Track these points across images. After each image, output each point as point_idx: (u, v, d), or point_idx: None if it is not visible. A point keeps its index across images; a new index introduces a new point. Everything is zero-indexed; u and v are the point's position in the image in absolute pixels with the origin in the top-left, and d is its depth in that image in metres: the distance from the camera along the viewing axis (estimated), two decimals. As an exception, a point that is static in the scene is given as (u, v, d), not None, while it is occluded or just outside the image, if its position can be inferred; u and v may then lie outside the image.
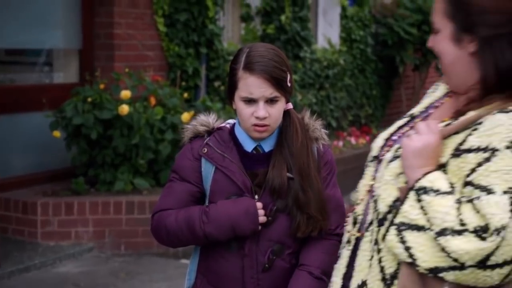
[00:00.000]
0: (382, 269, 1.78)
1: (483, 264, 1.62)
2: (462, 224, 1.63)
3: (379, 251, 1.79)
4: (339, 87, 9.41)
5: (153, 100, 5.97)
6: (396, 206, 1.75)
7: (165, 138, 5.80)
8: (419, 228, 1.68)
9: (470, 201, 1.65)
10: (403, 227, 1.69)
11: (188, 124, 2.26)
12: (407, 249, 1.68)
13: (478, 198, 1.64)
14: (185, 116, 5.85)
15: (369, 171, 1.95)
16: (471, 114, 1.75)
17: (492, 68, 1.75)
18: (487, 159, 1.67)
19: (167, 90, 6.12)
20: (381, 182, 1.81)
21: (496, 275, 1.64)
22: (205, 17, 7.10)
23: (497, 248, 1.61)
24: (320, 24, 9.82)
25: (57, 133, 5.79)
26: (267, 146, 2.16)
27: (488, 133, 1.69)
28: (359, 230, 1.92)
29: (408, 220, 1.69)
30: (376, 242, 1.80)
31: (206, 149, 2.16)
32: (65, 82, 6.54)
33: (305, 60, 8.71)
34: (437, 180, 1.70)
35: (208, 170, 2.16)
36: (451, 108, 1.87)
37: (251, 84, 2.07)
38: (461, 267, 1.63)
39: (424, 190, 1.69)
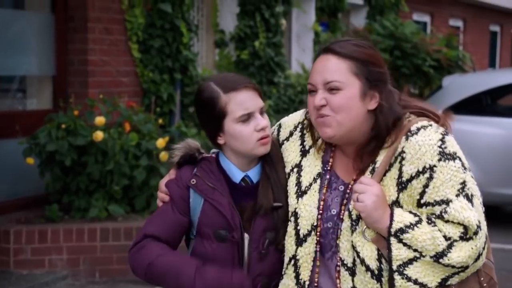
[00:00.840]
0: None
1: (478, 257, 1.89)
2: (448, 239, 1.85)
3: None
4: (313, 112, 9.46)
5: (127, 126, 5.95)
6: (381, 254, 1.91)
7: (140, 164, 5.78)
8: (412, 260, 1.87)
9: (438, 217, 1.87)
10: (401, 268, 1.87)
11: (179, 144, 2.19)
12: (415, 282, 1.86)
13: (445, 211, 1.86)
14: (160, 142, 5.84)
15: (311, 241, 2.01)
16: (383, 154, 1.93)
17: (384, 122, 1.95)
18: (430, 178, 1.87)
19: (141, 116, 6.12)
20: (358, 246, 1.93)
21: (483, 258, 1.91)
22: (180, 43, 7.13)
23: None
24: (293, 50, 9.90)
25: (30, 160, 5.74)
26: (254, 176, 2.11)
27: (417, 157, 1.89)
28: None
29: (402, 260, 1.88)
30: None
31: (195, 180, 2.11)
32: (39, 109, 6.50)
33: (279, 85, 8.77)
34: (403, 217, 1.88)
35: (196, 201, 2.11)
36: (345, 161, 2.02)
37: (243, 100, 2.04)
38: (466, 268, 1.88)
39: (401, 231, 1.87)
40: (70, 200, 5.81)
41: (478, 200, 1.91)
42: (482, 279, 1.95)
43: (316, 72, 1.97)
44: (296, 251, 2.04)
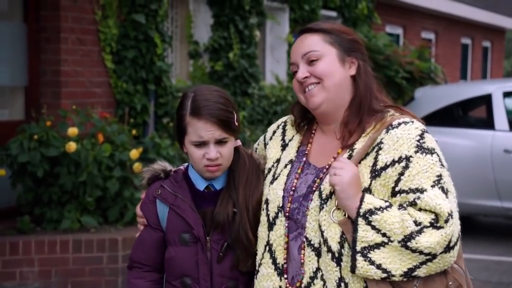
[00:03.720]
0: None
1: (447, 247, 1.86)
2: (418, 224, 1.84)
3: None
4: (287, 123, 9.49)
5: (101, 137, 5.92)
6: (344, 238, 1.90)
7: (113, 175, 5.75)
8: (378, 245, 1.86)
9: (411, 204, 1.87)
10: (365, 251, 1.85)
11: (144, 168, 2.31)
12: (378, 267, 1.84)
13: (418, 198, 1.86)
14: (134, 153, 5.82)
15: (280, 222, 2.06)
16: (362, 143, 1.99)
17: (365, 88, 2.04)
18: (406, 167, 1.90)
19: (115, 127, 6.09)
20: (323, 225, 1.94)
21: (455, 253, 1.89)
22: (153, 54, 7.12)
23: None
24: (267, 61, 9.93)
25: (1, 171, 5.68)
26: (218, 184, 2.21)
27: (394, 147, 1.92)
28: (291, 283, 2.04)
29: (367, 243, 1.85)
30: (342, 279, 1.92)
31: (160, 191, 2.22)
32: (10, 120, 6.44)
33: (253, 96, 8.78)
34: (373, 200, 1.89)
35: (163, 211, 2.21)
36: (324, 144, 2.08)
37: (200, 128, 2.12)
38: (433, 257, 1.85)
39: (371, 212, 1.86)
40: (42, 212, 5.75)
41: (453, 197, 1.92)
42: (450, 283, 1.92)
43: (294, 51, 2.09)
44: (268, 237, 2.07)
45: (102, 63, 6.79)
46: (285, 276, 2.05)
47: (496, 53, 21.33)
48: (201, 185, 2.21)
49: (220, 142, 2.13)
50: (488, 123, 7.62)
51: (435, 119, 7.67)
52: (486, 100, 7.74)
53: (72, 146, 5.55)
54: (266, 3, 9.25)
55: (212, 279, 2.15)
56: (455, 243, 1.88)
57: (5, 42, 6.34)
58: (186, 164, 2.30)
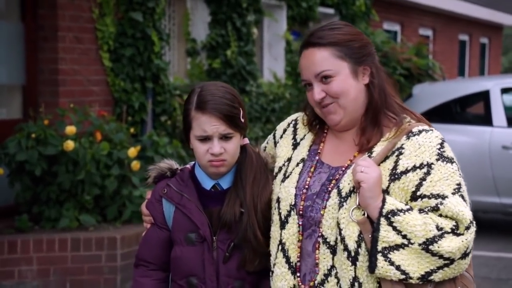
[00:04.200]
0: None
1: (465, 254, 1.89)
2: (440, 229, 1.86)
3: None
4: (285, 121, 9.49)
5: (99, 136, 5.92)
6: (362, 238, 1.91)
7: (111, 174, 5.74)
8: (398, 246, 1.87)
9: (433, 209, 1.89)
10: (385, 251, 1.86)
11: (151, 166, 2.30)
12: (397, 268, 1.86)
13: (441, 204, 1.89)
14: (132, 151, 5.81)
15: (292, 220, 2.04)
16: (381, 146, 1.99)
17: (380, 92, 2.04)
18: (427, 173, 1.92)
19: (113, 125, 6.08)
20: (342, 223, 1.94)
21: (468, 260, 1.93)
22: (151, 52, 7.10)
23: None
24: (265, 58, 9.93)
25: (-1, 170, 5.68)
26: (225, 184, 2.19)
27: (415, 154, 1.94)
28: (303, 280, 2.03)
29: (388, 244, 1.87)
30: (356, 279, 1.92)
31: (166, 190, 2.21)
32: (8, 118, 6.43)
33: (251, 94, 8.78)
34: (395, 202, 1.90)
35: (169, 210, 2.20)
36: (338, 144, 2.08)
37: (204, 123, 2.11)
38: (451, 262, 1.87)
39: (393, 213, 1.87)
40: (41, 210, 5.75)
41: (469, 207, 1.96)
42: None
43: (305, 68, 2.05)
44: (281, 235, 2.06)
45: (99, 61, 6.78)
46: (298, 274, 2.04)
47: (494, 49, 21.34)
48: (207, 184, 2.19)
49: (224, 138, 2.12)
50: (486, 120, 7.62)
51: (433, 115, 7.67)
52: (484, 97, 7.75)
53: (70, 144, 5.54)
54: (263, 1, 9.24)
55: (218, 279, 2.14)
56: (471, 250, 1.92)
57: (3, 41, 6.33)
58: (193, 162, 2.28)
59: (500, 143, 7.34)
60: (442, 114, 7.80)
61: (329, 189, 2.01)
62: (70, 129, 5.69)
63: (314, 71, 2.02)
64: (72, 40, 6.49)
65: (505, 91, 7.65)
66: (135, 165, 5.78)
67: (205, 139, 2.12)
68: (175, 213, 2.18)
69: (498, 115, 7.48)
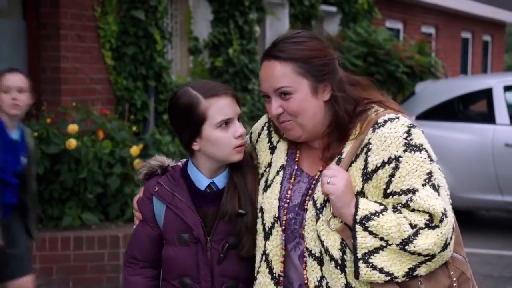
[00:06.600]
0: None
1: (444, 246, 1.87)
2: (414, 226, 1.84)
3: None
4: (287, 119, 9.49)
5: (101, 134, 5.92)
6: (345, 245, 1.90)
7: (113, 172, 5.74)
8: (377, 249, 1.86)
9: (404, 205, 1.87)
10: (366, 257, 1.85)
11: (142, 163, 2.25)
12: (381, 271, 1.85)
13: (411, 200, 1.85)
14: (134, 149, 5.81)
15: (276, 232, 2.03)
16: (349, 145, 1.94)
17: (342, 105, 1.96)
18: (396, 168, 1.88)
19: (115, 124, 6.09)
20: (322, 235, 1.93)
21: (452, 247, 1.91)
22: (153, 50, 7.11)
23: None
24: (267, 57, 9.91)
25: (2, 169, 5.68)
26: (221, 183, 2.14)
27: (383, 148, 1.89)
28: None
29: (367, 249, 1.86)
30: (348, 284, 1.92)
31: (157, 188, 2.15)
32: (11, 117, 6.43)
33: (253, 92, 8.78)
34: (368, 205, 1.88)
35: (160, 208, 2.15)
36: (311, 150, 2.04)
37: (224, 106, 2.06)
38: (432, 257, 1.86)
39: (367, 218, 1.86)
40: (43, 209, 5.75)
41: (445, 191, 1.91)
42: (452, 273, 1.93)
43: (264, 80, 1.98)
44: (265, 246, 2.05)
45: (102, 60, 6.78)
46: (281, 287, 2.03)
47: (497, 47, 21.31)
48: (203, 183, 2.14)
49: (239, 121, 2.10)
50: (489, 117, 7.61)
51: (436, 113, 7.66)
52: (486, 94, 7.73)
53: (72, 143, 5.54)
54: (265, -1, 9.24)
55: (212, 279, 2.12)
56: (451, 239, 1.89)
57: (5, 39, 6.34)
58: (184, 160, 2.23)
59: (503, 141, 7.33)
60: (445, 112, 7.79)
61: (307, 199, 1.99)
62: (73, 128, 5.69)
63: (273, 85, 1.95)
64: (74, 39, 6.49)
65: (507, 88, 7.63)
66: (138, 163, 5.78)
67: (226, 123, 2.06)
68: (166, 212, 2.13)
69: (501, 113, 7.47)
